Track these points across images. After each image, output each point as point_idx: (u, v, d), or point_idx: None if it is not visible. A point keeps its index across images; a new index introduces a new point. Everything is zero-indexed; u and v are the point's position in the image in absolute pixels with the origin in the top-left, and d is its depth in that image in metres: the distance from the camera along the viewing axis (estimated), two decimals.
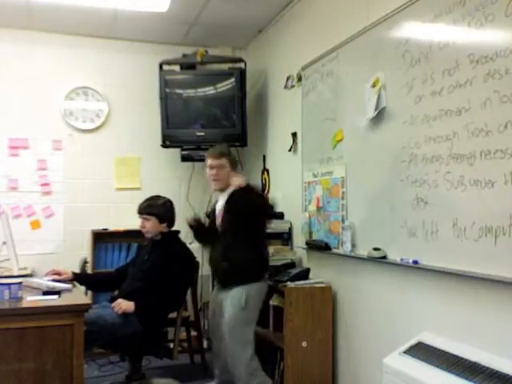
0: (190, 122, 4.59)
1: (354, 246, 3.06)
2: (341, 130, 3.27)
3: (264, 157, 4.63)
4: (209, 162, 3.23)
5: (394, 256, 2.71)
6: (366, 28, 2.97)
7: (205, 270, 4.30)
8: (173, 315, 3.49)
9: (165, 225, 3.49)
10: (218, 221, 3.24)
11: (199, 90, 4.61)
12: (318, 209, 3.51)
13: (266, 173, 4.61)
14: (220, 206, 3.25)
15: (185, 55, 4.77)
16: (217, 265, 3.22)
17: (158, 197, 3.58)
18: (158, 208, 3.48)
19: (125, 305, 3.17)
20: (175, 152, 4.77)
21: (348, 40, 3.17)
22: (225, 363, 3.13)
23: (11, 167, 4.57)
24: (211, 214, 3.38)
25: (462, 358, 2.16)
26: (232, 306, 3.05)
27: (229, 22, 4.49)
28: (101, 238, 4.65)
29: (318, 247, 3.48)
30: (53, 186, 4.67)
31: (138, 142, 4.91)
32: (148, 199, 3.55)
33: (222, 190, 3.24)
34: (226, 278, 3.16)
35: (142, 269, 3.41)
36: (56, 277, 3.34)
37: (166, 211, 3.50)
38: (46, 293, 2.79)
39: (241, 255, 3.08)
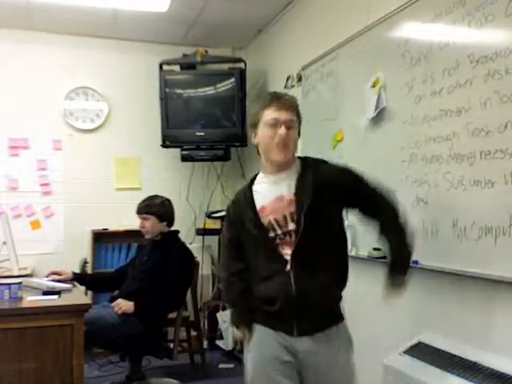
0: (190, 122, 4.59)
1: (354, 246, 3.06)
2: (341, 130, 3.26)
3: None
4: (274, 114, 1.91)
5: None
6: (366, 28, 2.97)
7: (205, 269, 4.30)
8: (173, 315, 3.49)
9: (164, 223, 3.50)
10: (273, 214, 1.96)
11: (199, 89, 4.61)
12: None
13: None
14: (283, 189, 1.97)
15: (185, 55, 4.77)
16: (308, 291, 1.94)
17: (156, 196, 3.58)
18: (156, 207, 3.48)
19: (124, 305, 3.17)
20: (175, 152, 4.77)
21: (348, 40, 3.17)
22: None
23: (11, 167, 4.57)
24: (247, 208, 2.01)
25: (462, 358, 2.16)
26: (347, 349, 2.04)
27: (229, 22, 4.48)
28: (101, 238, 4.65)
29: None
30: (53, 185, 4.67)
31: (138, 142, 4.90)
32: (146, 199, 3.56)
33: (281, 168, 1.99)
34: (333, 310, 2.11)
35: (142, 269, 3.41)
36: (56, 277, 3.34)
37: (164, 210, 3.51)
38: (45, 293, 2.79)
39: (342, 266, 2.10)
